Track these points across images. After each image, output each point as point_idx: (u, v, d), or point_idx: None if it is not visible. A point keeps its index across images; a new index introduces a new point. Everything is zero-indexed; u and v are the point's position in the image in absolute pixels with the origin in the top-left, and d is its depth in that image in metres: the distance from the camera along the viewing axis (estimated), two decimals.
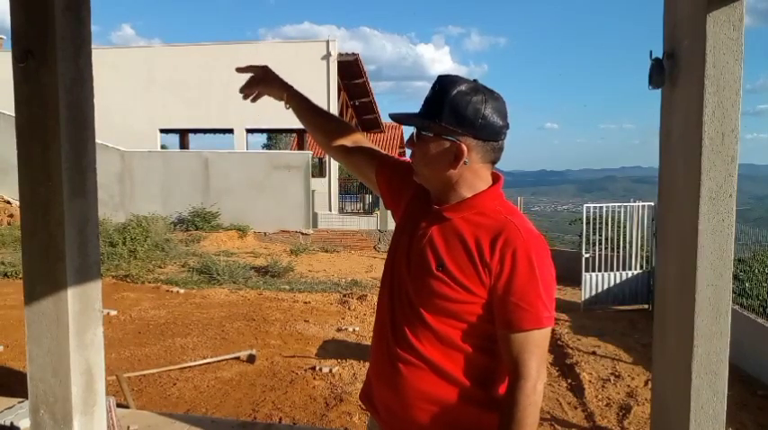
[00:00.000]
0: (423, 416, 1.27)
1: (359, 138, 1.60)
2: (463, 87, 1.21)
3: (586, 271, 8.20)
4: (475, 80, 1.26)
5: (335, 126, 1.62)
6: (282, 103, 1.62)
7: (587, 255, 8.26)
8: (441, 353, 1.25)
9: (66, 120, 1.99)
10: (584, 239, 8.34)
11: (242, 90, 1.61)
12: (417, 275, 1.26)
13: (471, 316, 1.22)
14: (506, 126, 1.25)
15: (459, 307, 1.22)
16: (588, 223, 8.44)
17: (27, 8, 1.96)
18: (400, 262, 1.32)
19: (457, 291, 1.21)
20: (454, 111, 1.20)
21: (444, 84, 1.22)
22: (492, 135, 1.23)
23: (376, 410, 1.39)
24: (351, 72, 18.00)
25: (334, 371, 5.01)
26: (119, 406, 3.10)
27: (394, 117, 1.31)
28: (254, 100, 1.63)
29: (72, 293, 2.04)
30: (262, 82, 1.61)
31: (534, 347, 1.19)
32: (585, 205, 8.72)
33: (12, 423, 2.77)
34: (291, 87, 1.61)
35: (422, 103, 1.26)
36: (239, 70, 1.62)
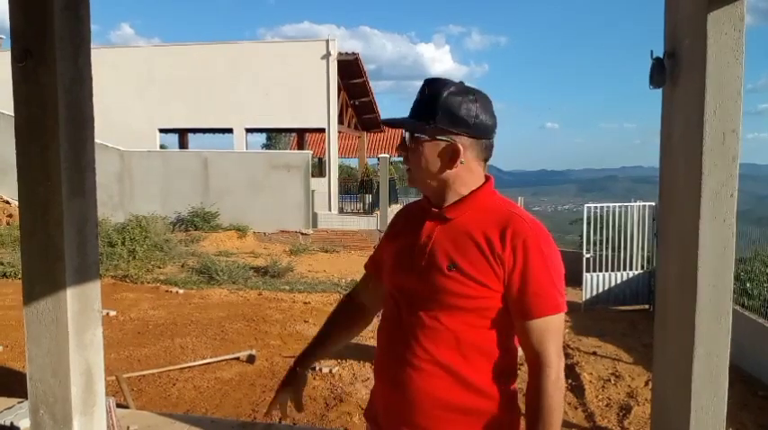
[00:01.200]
0: (433, 424, 1.26)
1: (364, 289, 1.54)
2: (453, 88, 1.24)
3: (587, 271, 8.19)
4: (461, 81, 1.29)
5: (349, 313, 1.55)
6: (306, 368, 1.55)
7: (588, 256, 8.26)
8: (457, 355, 1.24)
9: (65, 120, 1.98)
10: (584, 239, 8.34)
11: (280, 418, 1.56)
12: (428, 278, 1.26)
13: (489, 311, 1.24)
14: (496, 124, 1.30)
15: (476, 303, 1.23)
16: (589, 223, 8.43)
17: (26, 7, 1.96)
18: (405, 266, 1.31)
19: (472, 288, 1.22)
20: (448, 112, 1.23)
21: (434, 86, 1.25)
22: (484, 133, 1.28)
23: (377, 424, 1.38)
24: (351, 71, 18.00)
25: (334, 371, 5.01)
26: (118, 406, 3.09)
27: (387, 122, 1.35)
28: (299, 408, 1.55)
29: (71, 293, 2.03)
30: (291, 398, 1.54)
31: (553, 333, 1.22)
32: (586, 205, 8.72)
33: (12, 423, 2.77)
34: (300, 361, 1.53)
35: (412, 107, 1.28)
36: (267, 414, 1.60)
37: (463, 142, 1.25)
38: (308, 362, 1.55)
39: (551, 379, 1.20)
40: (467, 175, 1.28)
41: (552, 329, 1.22)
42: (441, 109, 1.23)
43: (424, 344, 1.25)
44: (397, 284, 1.33)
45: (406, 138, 1.29)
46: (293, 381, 1.54)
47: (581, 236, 8.89)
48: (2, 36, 19.37)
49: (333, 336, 1.55)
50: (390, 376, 1.31)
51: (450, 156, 1.25)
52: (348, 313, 1.56)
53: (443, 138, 1.24)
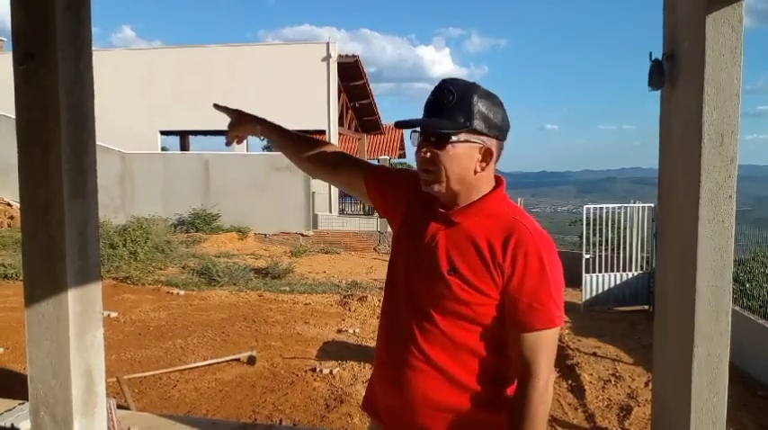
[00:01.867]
0: (430, 423, 1.27)
1: (340, 154, 1.59)
2: (482, 91, 1.24)
3: (587, 272, 8.20)
4: (474, 83, 1.27)
5: (314, 148, 1.60)
6: (260, 131, 1.65)
7: (588, 257, 8.26)
8: (451, 357, 1.25)
9: (66, 122, 1.99)
10: (584, 240, 8.34)
11: (227, 142, 1.69)
12: (428, 279, 1.26)
13: (485, 318, 1.24)
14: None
15: (472, 309, 1.23)
16: (588, 224, 8.43)
17: (27, 9, 1.96)
18: (408, 266, 1.31)
19: (470, 294, 1.22)
20: (483, 115, 1.22)
21: (464, 88, 1.23)
22: (505, 136, 1.29)
23: (380, 418, 1.39)
24: (351, 74, 18.01)
25: (334, 372, 5.01)
26: (119, 407, 3.10)
27: (423, 123, 1.25)
28: (239, 142, 1.71)
29: (72, 295, 2.03)
30: (237, 125, 1.65)
31: (545, 346, 1.21)
32: (586, 206, 8.73)
33: (12, 424, 2.77)
34: (264, 121, 1.64)
35: (434, 108, 1.23)
36: (216, 107, 1.69)
37: (492, 145, 1.25)
38: (264, 125, 1.63)
39: (538, 390, 1.19)
40: (484, 179, 1.28)
41: (545, 343, 1.21)
42: (477, 111, 1.21)
43: (421, 345, 1.26)
44: (401, 284, 1.33)
45: (431, 140, 1.23)
46: (247, 118, 1.64)
47: (580, 237, 8.90)
48: (3, 38, 19.39)
49: (293, 141, 1.63)
50: (390, 375, 1.33)
51: (482, 160, 1.25)
52: (317, 149, 1.59)
53: (477, 140, 1.23)
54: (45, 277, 2.03)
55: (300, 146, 1.62)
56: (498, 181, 1.32)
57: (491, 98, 1.24)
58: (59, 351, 2.04)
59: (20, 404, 3.07)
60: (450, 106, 1.21)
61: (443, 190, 1.26)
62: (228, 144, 1.69)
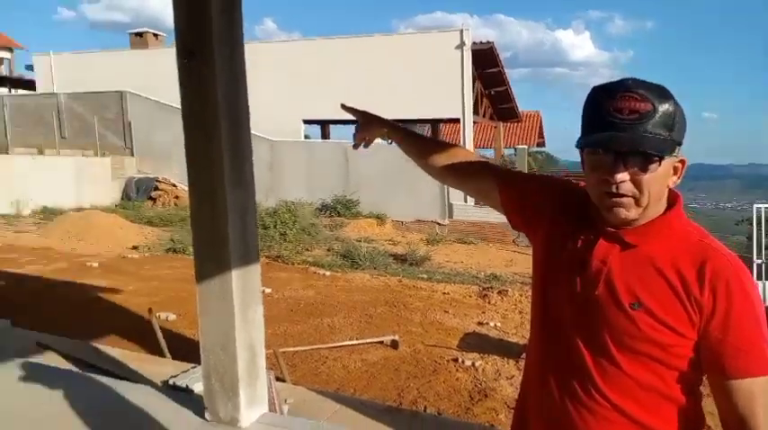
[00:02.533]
0: None
1: (471, 159, 1.48)
2: (672, 93, 1.06)
3: (758, 278, 7.23)
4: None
5: (442, 152, 1.50)
6: (387, 133, 1.60)
7: (759, 262, 7.30)
8: (638, 403, 1.08)
9: (224, 115, 2.09)
10: (754, 243, 7.35)
11: (355, 145, 1.67)
12: (604, 313, 1.08)
13: (679, 359, 1.05)
14: None
15: (665, 350, 1.05)
16: (759, 224, 7.44)
17: (188, 10, 2.08)
18: (572, 295, 1.13)
19: (662, 333, 1.03)
20: (683, 123, 1.06)
21: (660, 93, 1.04)
22: None
23: None
24: (485, 61, 17.56)
25: (476, 365, 4.88)
26: (276, 379, 3.28)
27: (649, 146, 1.02)
28: (366, 146, 1.66)
29: (236, 275, 2.15)
30: (365, 128, 1.62)
31: (762, 396, 1.01)
32: (756, 205, 7.80)
33: (187, 385, 3.07)
34: (390, 123, 1.59)
35: (625, 119, 1.02)
36: (343, 107, 1.68)
37: (684, 155, 1.09)
38: (390, 127, 1.58)
39: None
40: (665, 194, 1.10)
41: (761, 391, 1.01)
42: (679, 123, 1.05)
43: (601, 388, 1.09)
44: (559, 310, 1.15)
45: (638, 161, 1.03)
46: (374, 120, 1.61)
47: (749, 238, 7.85)
48: (164, 33, 21.78)
49: (420, 144, 1.56)
50: (561, 418, 1.15)
51: (674, 173, 1.09)
52: (446, 153, 1.49)
53: (677, 154, 1.07)
54: (212, 259, 2.17)
55: (428, 149, 1.53)
56: (674, 196, 1.12)
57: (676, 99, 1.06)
58: (226, 325, 2.17)
59: (192, 367, 3.39)
60: (649, 117, 1.01)
61: (639, 215, 1.07)
62: (356, 147, 1.67)
